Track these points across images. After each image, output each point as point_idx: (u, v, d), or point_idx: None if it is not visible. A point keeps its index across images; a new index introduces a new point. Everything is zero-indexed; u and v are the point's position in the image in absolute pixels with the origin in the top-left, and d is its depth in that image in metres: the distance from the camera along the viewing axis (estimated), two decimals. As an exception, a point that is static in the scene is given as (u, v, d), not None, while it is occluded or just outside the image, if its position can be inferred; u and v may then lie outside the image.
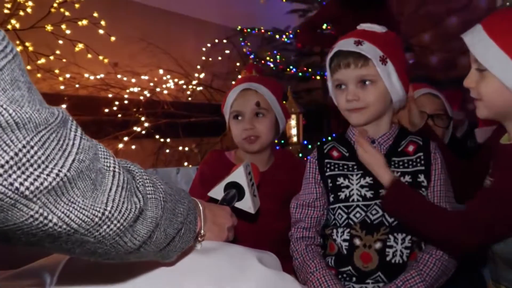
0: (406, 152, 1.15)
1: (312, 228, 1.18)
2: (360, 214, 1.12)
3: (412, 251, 1.11)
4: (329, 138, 1.91)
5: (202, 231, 0.77)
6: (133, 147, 2.97)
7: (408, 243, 1.10)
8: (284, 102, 1.47)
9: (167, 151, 3.18)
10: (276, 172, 1.44)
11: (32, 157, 0.45)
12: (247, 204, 1.01)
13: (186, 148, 3.23)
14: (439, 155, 1.14)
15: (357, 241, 1.12)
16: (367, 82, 1.10)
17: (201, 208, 0.79)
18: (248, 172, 1.03)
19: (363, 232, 1.11)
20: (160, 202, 0.63)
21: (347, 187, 1.14)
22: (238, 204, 1.01)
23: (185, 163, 3.11)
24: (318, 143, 1.24)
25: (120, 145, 2.81)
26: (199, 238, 0.77)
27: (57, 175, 0.47)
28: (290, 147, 2.70)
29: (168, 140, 3.15)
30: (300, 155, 2.65)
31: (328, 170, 1.17)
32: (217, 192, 1.01)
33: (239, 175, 1.00)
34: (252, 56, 3.73)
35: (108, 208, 0.53)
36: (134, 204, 0.57)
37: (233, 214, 0.90)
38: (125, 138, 2.86)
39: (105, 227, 0.53)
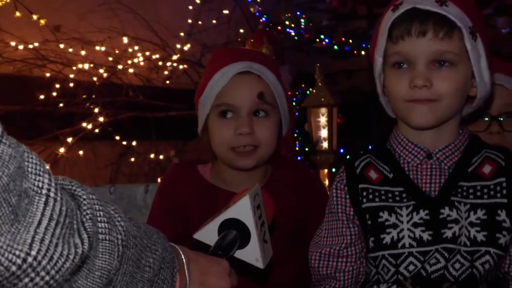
0: (481, 175, 1.17)
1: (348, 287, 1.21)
2: (414, 266, 1.15)
3: None
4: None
5: None
6: (81, 152, 2.99)
7: None
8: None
9: (132, 159, 3.19)
10: (276, 193, 1.42)
11: None
12: (253, 254, 1.00)
13: (161, 156, 3.26)
14: None
15: None
16: (444, 63, 1.12)
17: (183, 260, 0.80)
18: (257, 204, 1.02)
19: None
20: (117, 247, 0.65)
21: (395, 226, 1.16)
22: (240, 254, 1.00)
23: (159, 179, 3.09)
24: (348, 158, 1.26)
25: (62, 150, 2.84)
26: None
27: None
28: (318, 157, 2.69)
29: (134, 143, 3.19)
30: (333, 170, 2.64)
31: (364, 200, 1.20)
32: (208, 233, 1.00)
33: (243, 209, 0.99)
34: (263, 19, 3.75)
35: (33, 252, 0.53)
36: (73, 248, 0.58)
37: (232, 271, 0.91)
38: (69, 139, 2.88)
39: (26, 280, 0.54)
